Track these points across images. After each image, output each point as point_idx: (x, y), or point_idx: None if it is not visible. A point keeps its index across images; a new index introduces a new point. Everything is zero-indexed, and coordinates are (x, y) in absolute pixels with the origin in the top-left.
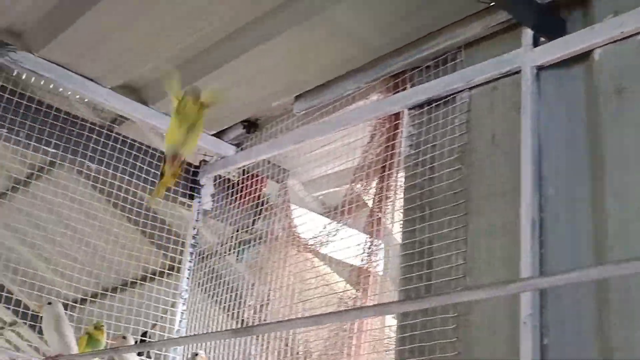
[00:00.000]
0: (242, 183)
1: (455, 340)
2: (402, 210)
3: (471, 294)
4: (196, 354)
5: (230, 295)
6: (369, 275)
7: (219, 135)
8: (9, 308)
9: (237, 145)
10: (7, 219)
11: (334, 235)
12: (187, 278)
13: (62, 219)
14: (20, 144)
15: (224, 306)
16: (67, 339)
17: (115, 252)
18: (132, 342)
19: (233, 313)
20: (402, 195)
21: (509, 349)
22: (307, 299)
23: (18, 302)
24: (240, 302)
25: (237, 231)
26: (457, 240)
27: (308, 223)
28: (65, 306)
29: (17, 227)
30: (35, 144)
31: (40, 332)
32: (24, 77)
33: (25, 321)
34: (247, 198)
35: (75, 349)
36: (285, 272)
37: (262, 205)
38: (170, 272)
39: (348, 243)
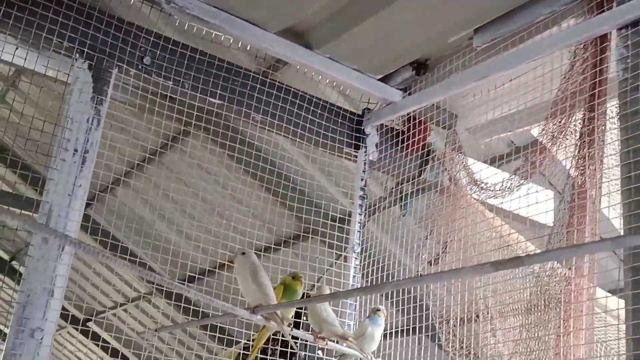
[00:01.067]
0: (407, 132)
1: None
2: (618, 141)
3: None
4: (378, 309)
5: (401, 250)
6: (581, 216)
7: (384, 79)
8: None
9: (404, 90)
10: (141, 190)
11: (514, 186)
12: (358, 231)
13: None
14: (187, 96)
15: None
16: (265, 289)
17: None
18: (327, 292)
19: (404, 268)
20: (616, 125)
21: None
22: (482, 252)
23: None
24: (412, 256)
25: (402, 183)
26: None
27: (480, 173)
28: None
29: (149, 198)
30: (200, 95)
31: (177, 299)
32: (186, 26)
33: (161, 291)
34: (412, 147)
35: (274, 299)
36: (456, 224)
37: (428, 154)
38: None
39: (528, 194)
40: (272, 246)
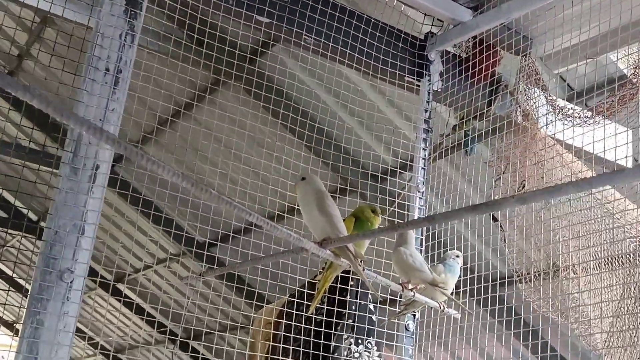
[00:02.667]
0: (474, 58)
1: None
2: None
3: None
4: (457, 255)
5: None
6: None
7: None
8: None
9: (474, 8)
10: (170, 146)
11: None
12: (423, 168)
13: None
14: (231, 12)
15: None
16: (334, 219)
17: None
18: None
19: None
20: None
21: None
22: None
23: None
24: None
25: (469, 117)
26: None
27: (555, 106)
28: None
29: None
30: (246, 11)
31: (208, 260)
32: None
33: (190, 251)
34: (479, 76)
35: (344, 231)
36: (528, 162)
37: (498, 84)
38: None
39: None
40: None
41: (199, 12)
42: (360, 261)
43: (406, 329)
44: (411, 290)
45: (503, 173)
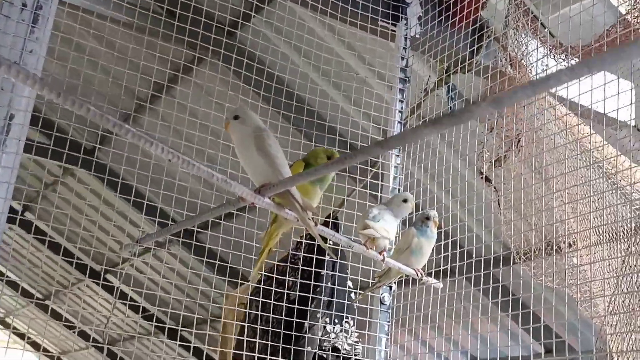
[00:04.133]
0: (457, 0)
1: None
2: None
3: None
4: (427, 217)
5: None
6: None
7: None
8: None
9: None
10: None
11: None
12: (399, 122)
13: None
14: None
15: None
16: (275, 161)
17: None
18: None
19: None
20: None
21: None
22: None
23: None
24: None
25: (451, 70)
26: None
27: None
28: None
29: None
30: None
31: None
32: None
33: (178, 240)
34: (463, 22)
35: (287, 172)
36: (517, 118)
37: (482, 30)
38: None
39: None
40: None
41: None
42: (313, 215)
43: (381, 303)
44: (377, 253)
45: (492, 130)
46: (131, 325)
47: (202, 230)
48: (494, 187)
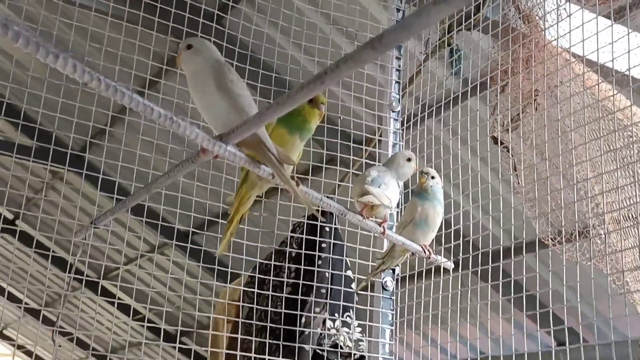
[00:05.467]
0: None
1: None
2: None
3: None
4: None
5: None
6: None
7: None
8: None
9: None
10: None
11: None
12: (397, 82)
13: None
14: None
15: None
16: (240, 100)
17: None
18: None
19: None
20: None
21: None
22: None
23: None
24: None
25: (451, 28)
26: None
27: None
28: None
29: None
30: None
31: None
32: None
33: (172, 242)
34: None
35: (255, 109)
36: (531, 77)
37: None
38: None
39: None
40: None
41: None
42: (292, 171)
43: (383, 288)
44: (377, 224)
45: (502, 91)
46: (133, 335)
47: (197, 231)
48: (507, 149)
